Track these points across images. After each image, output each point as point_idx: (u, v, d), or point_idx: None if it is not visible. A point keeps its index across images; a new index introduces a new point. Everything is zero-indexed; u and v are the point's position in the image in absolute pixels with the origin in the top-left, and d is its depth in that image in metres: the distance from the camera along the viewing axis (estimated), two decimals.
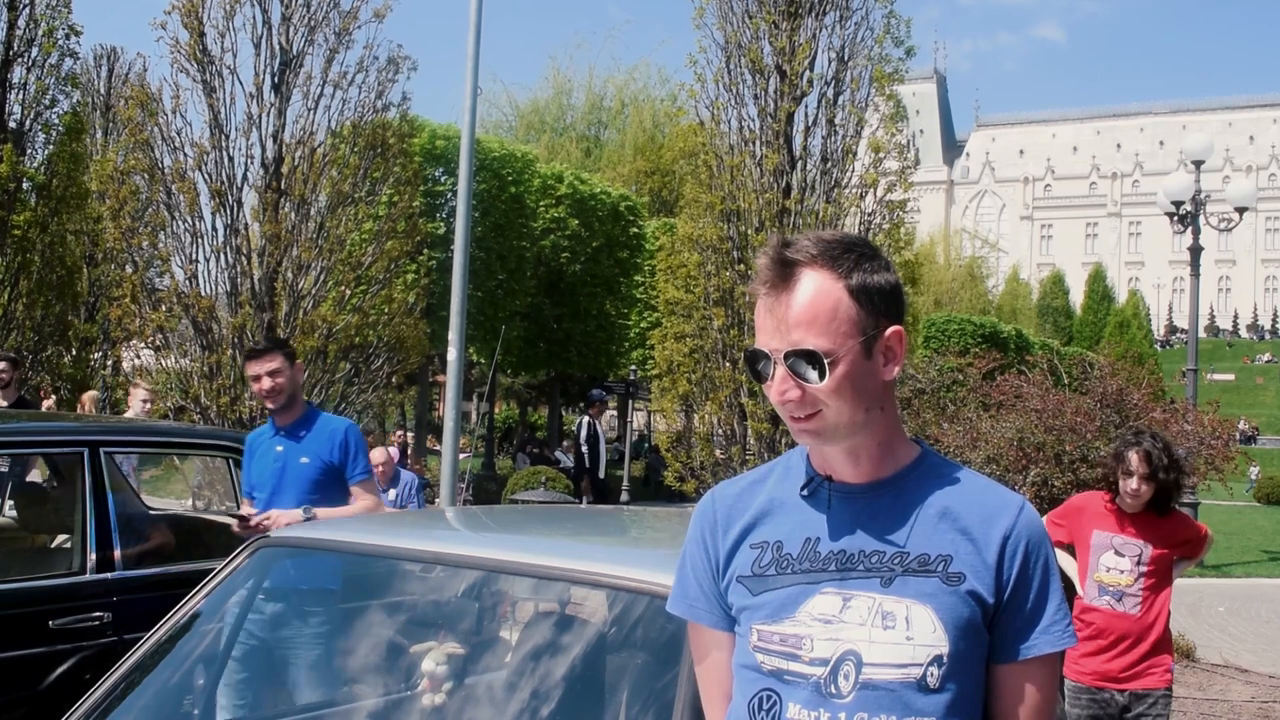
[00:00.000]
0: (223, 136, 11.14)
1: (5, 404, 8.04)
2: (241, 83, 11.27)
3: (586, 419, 14.98)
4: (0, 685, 4.32)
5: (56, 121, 14.17)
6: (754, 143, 10.79)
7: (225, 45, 11.14)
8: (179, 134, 11.14)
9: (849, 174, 10.91)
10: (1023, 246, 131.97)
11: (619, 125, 43.88)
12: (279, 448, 4.65)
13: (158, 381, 11.58)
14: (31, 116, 13.59)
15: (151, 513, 6.50)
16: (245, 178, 11.27)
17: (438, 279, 18.00)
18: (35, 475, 6.89)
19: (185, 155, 11.15)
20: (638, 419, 35.56)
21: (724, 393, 10.52)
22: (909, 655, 1.57)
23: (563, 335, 27.27)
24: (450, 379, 12.08)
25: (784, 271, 1.59)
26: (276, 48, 11.32)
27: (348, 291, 11.79)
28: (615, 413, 43.57)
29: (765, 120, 10.76)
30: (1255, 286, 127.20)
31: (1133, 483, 4.37)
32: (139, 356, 13.38)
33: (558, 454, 28.78)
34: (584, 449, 14.37)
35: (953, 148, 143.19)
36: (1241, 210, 16.94)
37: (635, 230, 28.57)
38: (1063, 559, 4.75)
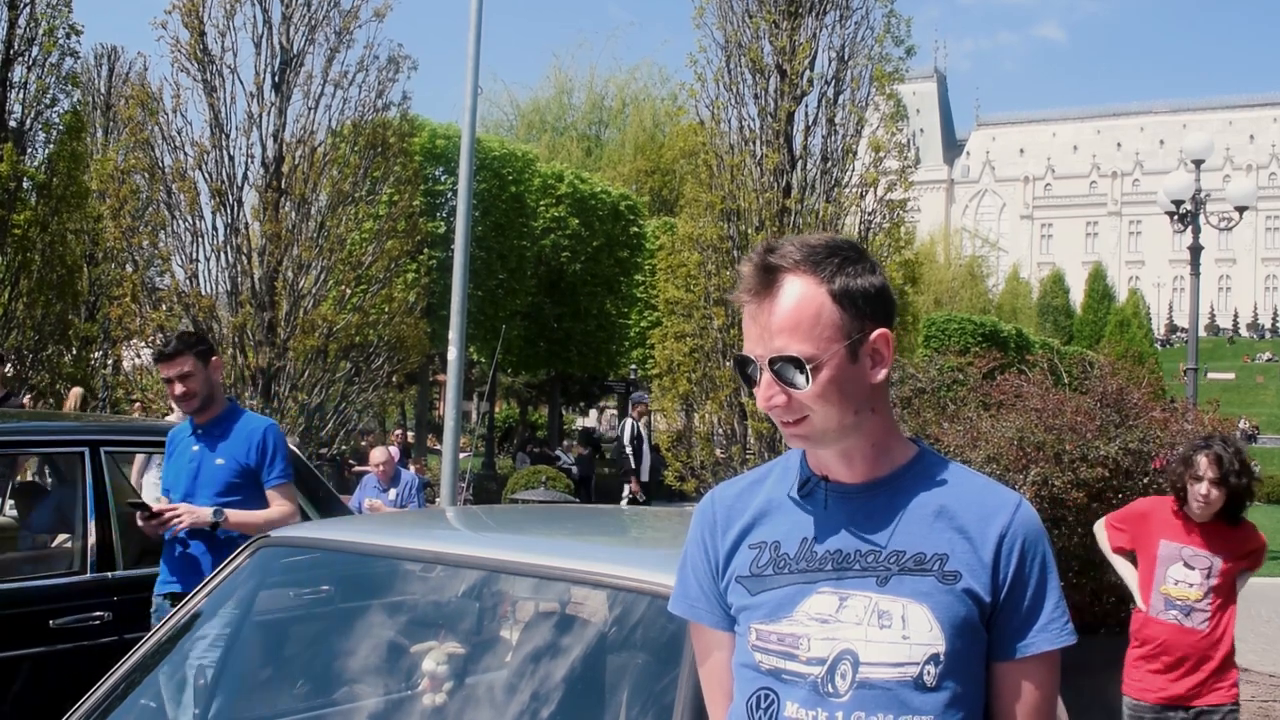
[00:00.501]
0: (223, 136, 11.14)
1: None
2: (242, 82, 11.28)
3: (630, 420, 14.93)
4: (0, 685, 4.33)
5: (57, 121, 14.17)
6: (754, 142, 10.79)
7: (226, 44, 11.15)
8: (179, 133, 11.15)
9: (849, 173, 10.91)
10: (1023, 246, 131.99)
11: (620, 125, 43.89)
12: (195, 447, 4.39)
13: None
14: (32, 116, 13.59)
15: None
16: (246, 177, 11.28)
17: (438, 278, 18.00)
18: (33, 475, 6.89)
19: (185, 154, 11.15)
20: None
21: (724, 392, 10.52)
22: (905, 654, 1.57)
23: (563, 334, 27.28)
24: (450, 378, 12.08)
25: (766, 278, 1.60)
26: (277, 47, 11.32)
27: (348, 291, 11.80)
28: (615, 412, 43.59)
29: (765, 119, 10.76)
30: (1255, 285, 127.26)
31: (1202, 488, 4.12)
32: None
33: (558, 453, 28.79)
34: (628, 450, 14.34)
35: (953, 147, 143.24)
36: (1242, 209, 16.93)
37: (635, 230, 28.58)
38: (1120, 566, 4.59)
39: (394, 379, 13.20)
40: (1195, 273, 17.06)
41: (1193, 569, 4.24)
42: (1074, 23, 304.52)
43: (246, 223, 11.28)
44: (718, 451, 10.83)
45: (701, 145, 11.04)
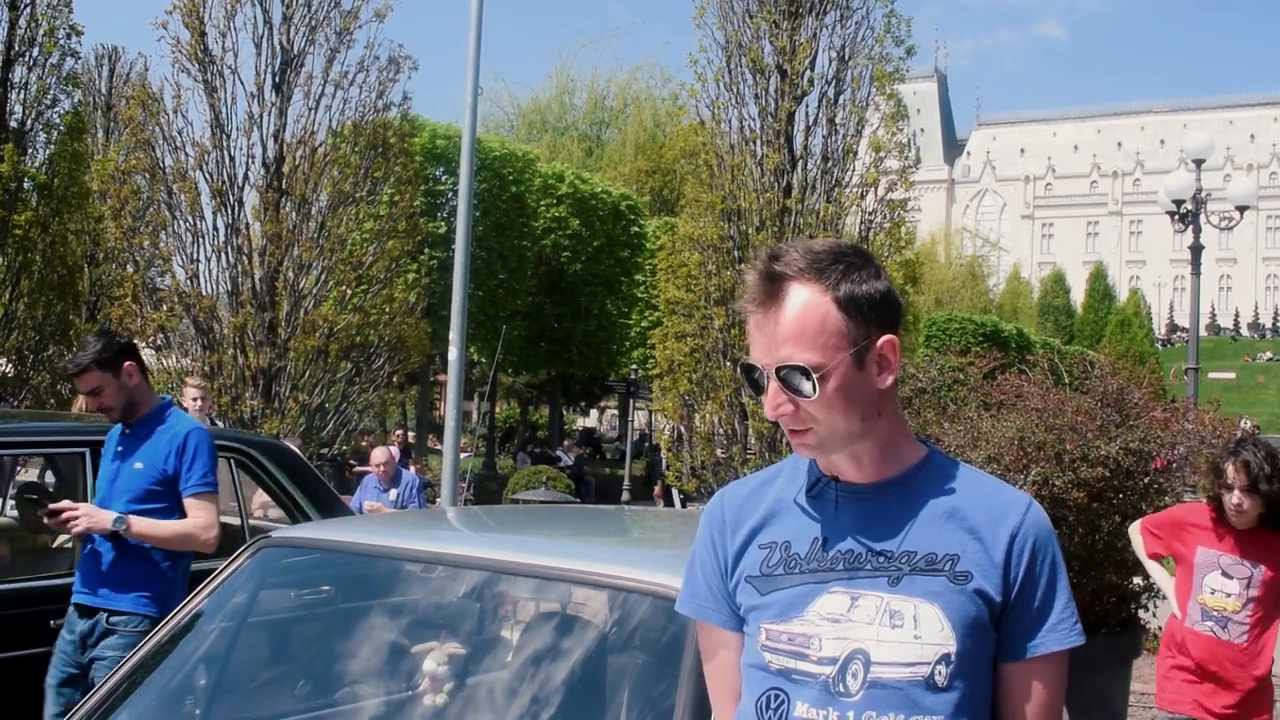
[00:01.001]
0: (224, 136, 11.16)
1: None
2: (242, 82, 11.30)
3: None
4: (1, 685, 4.33)
5: (58, 121, 14.16)
6: (754, 142, 10.79)
7: (226, 45, 11.17)
8: (180, 133, 11.17)
9: (850, 173, 10.92)
10: (1024, 245, 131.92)
11: (620, 125, 43.88)
12: (120, 448, 4.13)
13: (159, 381, 11.56)
14: (33, 116, 13.58)
15: None
16: (246, 177, 11.30)
17: (438, 278, 18.01)
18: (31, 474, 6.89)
19: (186, 155, 11.17)
20: (639, 418, 35.56)
21: (725, 392, 10.53)
22: (917, 654, 1.57)
23: (564, 335, 27.28)
24: (451, 378, 12.08)
25: (771, 287, 1.59)
26: (277, 47, 11.34)
27: (349, 291, 11.81)
28: (616, 412, 43.60)
29: (766, 120, 10.76)
30: (1256, 285, 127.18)
31: (1234, 497, 3.94)
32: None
33: (559, 453, 28.80)
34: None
35: (954, 146, 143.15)
36: (1242, 209, 16.91)
37: (636, 230, 28.59)
38: (1155, 571, 4.45)
39: (394, 379, 13.21)
40: (1196, 272, 17.05)
41: (1231, 578, 4.05)
42: (1075, 21, 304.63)
43: (247, 223, 11.29)
44: (718, 452, 10.83)
45: (702, 145, 11.05)
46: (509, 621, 3.23)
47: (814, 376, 1.57)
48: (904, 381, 8.48)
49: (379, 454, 10.00)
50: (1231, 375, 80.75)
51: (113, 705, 2.75)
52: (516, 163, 25.11)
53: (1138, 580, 6.05)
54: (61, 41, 13.57)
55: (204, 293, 11.21)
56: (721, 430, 10.81)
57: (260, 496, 6.42)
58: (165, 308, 11.27)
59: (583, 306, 27.18)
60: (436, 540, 3.03)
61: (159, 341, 11.64)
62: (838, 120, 10.79)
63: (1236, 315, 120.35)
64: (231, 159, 11.19)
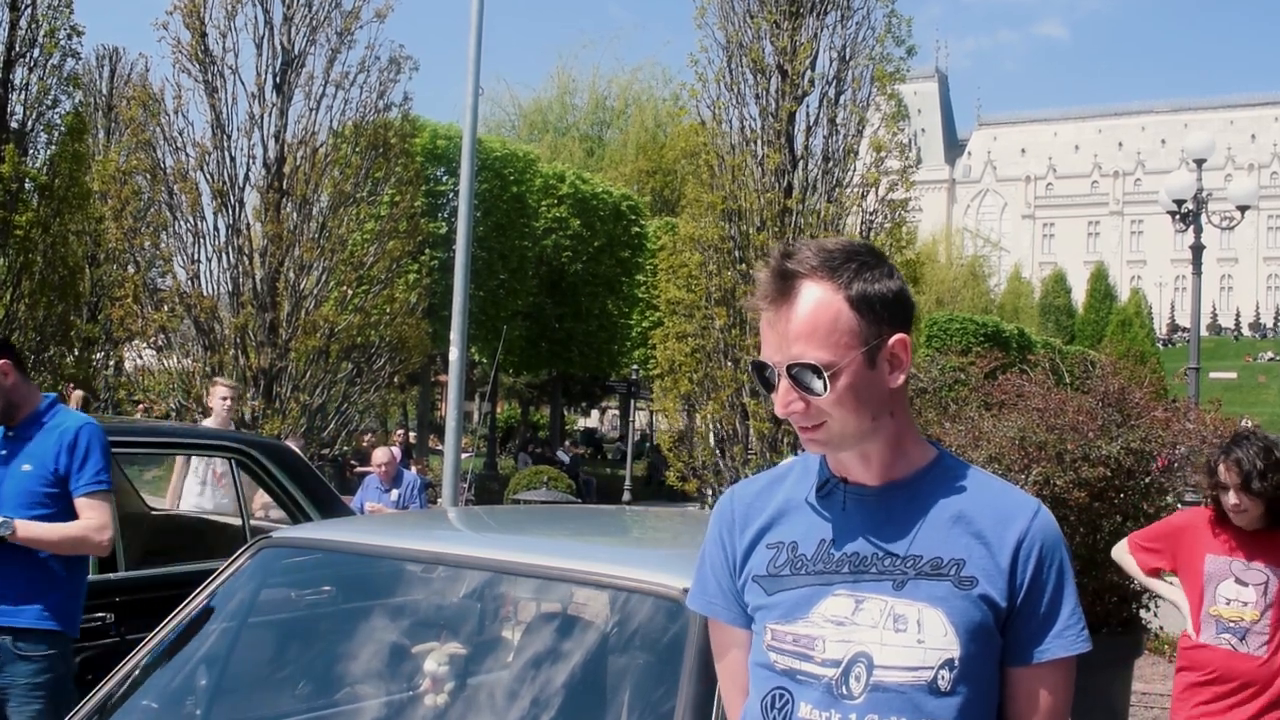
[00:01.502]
0: (224, 136, 11.16)
1: None
2: (243, 83, 11.30)
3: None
4: None
5: (58, 122, 14.15)
6: (755, 142, 10.80)
7: (227, 45, 11.17)
8: (181, 134, 11.17)
9: (850, 173, 10.93)
10: (1024, 245, 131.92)
11: (622, 125, 43.88)
12: (3, 452, 3.81)
13: (160, 381, 11.60)
14: (34, 117, 13.57)
15: (153, 513, 6.51)
16: (247, 178, 11.30)
17: (439, 279, 18.01)
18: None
19: (187, 155, 11.18)
20: (639, 419, 35.56)
21: (726, 392, 10.53)
22: (920, 658, 1.57)
23: (564, 335, 27.28)
24: (452, 379, 12.08)
25: (783, 285, 1.59)
26: (278, 48, 11.34)
27: (350, 291, 11.81)
28: (617, 412, 43.59)
29: (766, 120, 10.77)
30: (1257, 284, 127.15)
31: (1230, 498, 3.70)
32: (141, 357, 13.40)
33: (559, 453, 28.79)
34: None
35: (954, 146, 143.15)
36: (1243, 208, 16.90)
37: (637, 230, 28.59)
38: (1162, 589, 4.18)
39: (395, 379, 13.21)
40: (1197, 272, 17.05)
41: (1246, 585, 3.77)
42: (1076, 21, 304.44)
43: (248, 223, 11.29)
44: (719, 451, 10.84)
45: (703, 145, 11.05)
46: (510, 622, 3.23)
47: (825, 374, 1.56)
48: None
49: (380, 454, 10.00)
50: (1233, 375, 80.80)
51: (114, 706, 2.75)
52: (517, 163, 25.12)
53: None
54: (62, 42, 13.56)
55: (205, 293, 11.21)
56: (722, 430, 10.82)
57: (261, 497, 6.42)
58: (166, 308, 11.27)
59: (583, 307, 27.18)
60: (437, 540, 3.03)
61: (160, 342, 11.65)
62: (838, 120, 10.79)
63: (1238, 315, 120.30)
64: (232, 159, 11.20)
